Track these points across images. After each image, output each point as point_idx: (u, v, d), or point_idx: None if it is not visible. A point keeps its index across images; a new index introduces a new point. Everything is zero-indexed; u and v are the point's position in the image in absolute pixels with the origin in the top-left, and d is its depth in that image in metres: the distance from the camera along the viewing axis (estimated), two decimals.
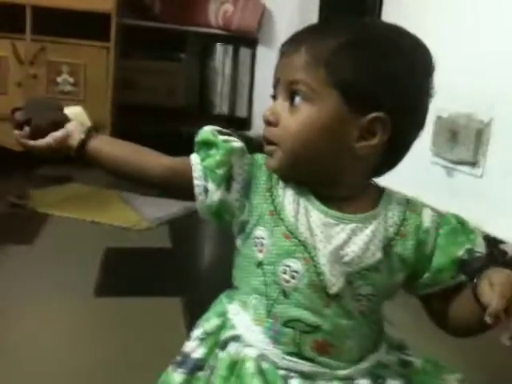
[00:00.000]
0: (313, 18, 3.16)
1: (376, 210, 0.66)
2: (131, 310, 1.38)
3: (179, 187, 0.70)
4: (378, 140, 0.62)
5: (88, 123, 0.74)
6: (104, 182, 2.27)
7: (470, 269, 0.65)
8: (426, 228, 0.67)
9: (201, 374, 0.67)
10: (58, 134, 0.71)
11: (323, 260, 0.63)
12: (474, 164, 1.52)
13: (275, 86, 0.67)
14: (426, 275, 0.67)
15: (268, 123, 0.65)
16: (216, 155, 0.65)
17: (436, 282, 0.67)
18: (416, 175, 1.78)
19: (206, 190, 0.66)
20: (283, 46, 0.67)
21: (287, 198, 0.66)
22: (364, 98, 0.61)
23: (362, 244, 0.64)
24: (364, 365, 0.66)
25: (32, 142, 0.72)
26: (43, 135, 0.71)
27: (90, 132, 0.72)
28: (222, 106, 3.57)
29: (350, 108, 0.61)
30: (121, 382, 1.10)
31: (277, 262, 0.64)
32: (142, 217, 2.07)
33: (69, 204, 2.13)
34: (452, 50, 1.68)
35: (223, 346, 0.68)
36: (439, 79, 1.72)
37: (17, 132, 0.72)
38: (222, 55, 3.55)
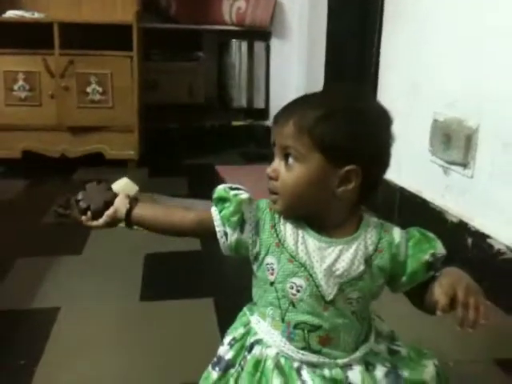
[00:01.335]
0: (322, 8, 3.23)
1: (357, 233, 0.83)
2: (171, 312, 1.52)
3: (205, 234, 0.89)
4: (354, 185, 0.79)
5: (135, 189, 0.93)
6: (137, 185, 2.40)
7: (435, 267, 0.83)
8: (397, 243, 0.84)
9: (232, 370, 0.87)
10: (109, 212, 0.90)
11: (320, 275, 0.80)
12: (464, 166, 1.60)
13: (273, 147, 0.83)
14: (404, 278, 0.84)
15: (270, 178, 0.83)
16: (230, 207, 0.84)
17: (412, 282, 0.85)
18: (418, 173, 1.89)
19: (225, 234, 0.85)
20: (276, 116, 0.83)
21: (288, 231, 0.83)
22: (340, 156, 0.78)
23: (348, 260, 0.81)
24: (358, 354, 0.84)
25: (95, 223, 0.91)
26: (101, 215, 0.90)
27: (132, 203, 0.91)
28: (240, 99, 3.66)
29: (330, 164, 0.78)
30: (165, 376, 1.23)
31: (285, 280, 0.82)
32: None
33: None
34: (447, 62, 1.78)
35: (249, 348, 0.86)
36: (437, 86, 1.87)
37: (83, 217, 0.92)
38: (237, 50, 3.62)
